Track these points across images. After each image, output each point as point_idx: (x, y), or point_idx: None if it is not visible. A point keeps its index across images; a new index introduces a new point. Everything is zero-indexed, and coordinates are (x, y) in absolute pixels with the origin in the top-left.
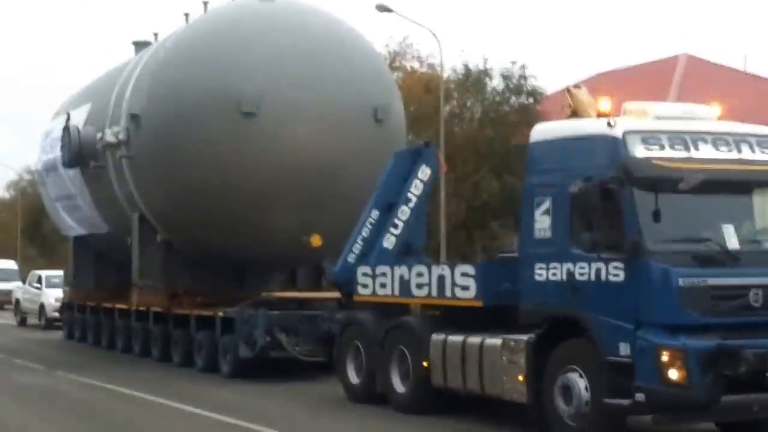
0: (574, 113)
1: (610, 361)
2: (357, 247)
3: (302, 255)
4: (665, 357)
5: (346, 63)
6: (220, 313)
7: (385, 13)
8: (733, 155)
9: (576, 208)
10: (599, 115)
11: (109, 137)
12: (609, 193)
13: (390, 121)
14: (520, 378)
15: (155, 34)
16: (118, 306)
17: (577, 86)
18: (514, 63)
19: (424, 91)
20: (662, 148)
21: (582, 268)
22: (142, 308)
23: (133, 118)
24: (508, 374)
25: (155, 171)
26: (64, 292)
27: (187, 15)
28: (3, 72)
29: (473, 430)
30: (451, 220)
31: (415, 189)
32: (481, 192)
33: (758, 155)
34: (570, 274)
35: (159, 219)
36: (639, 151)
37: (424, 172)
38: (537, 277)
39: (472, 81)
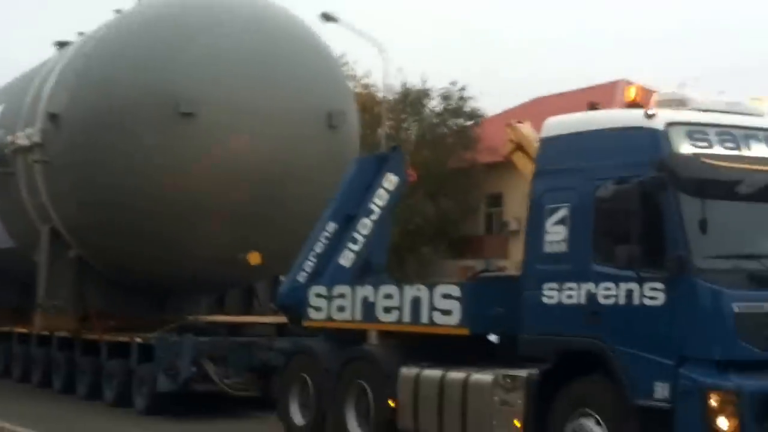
0: (519, 148)
1: (640, 406)
2: (308, 265)
3: (237, 275)
4: (715, 402)
5: (299, 63)
6: (138, 339)
7: (329, 25)
8: None
9: (602, 216)
10: (629, 104)
11: (21, 140)
12: (648, 197)
13: (344, 129)
14: (517, 423)
15: (80, 34)
16: (18, 330)
17: (519, 122)
18: (453, 84)
19: (360, 111)
20: (710, 144)
21: (607, 289)
22: (45, 332)
23: (52, 118)
24: (500, 419)
25: (73, 177)
26: None
27: (118, 11)
28: None
29: None
30: None
31: (379, 199)
32: (415, 215)
33: None
34: (591, 296)
35: (73, 232)
36: (685, 147)
37: (390, 180)
38: (546, 300)
39: (411, 101)
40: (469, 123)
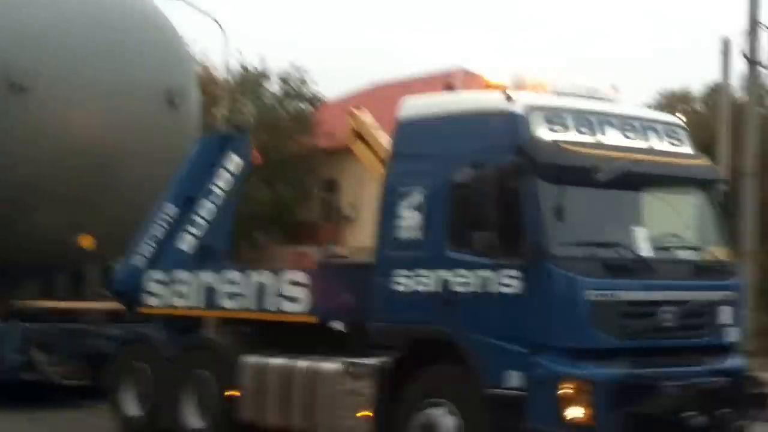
0: (359, 136)
1: (493, 395)
2: (146, 249)
3: (67, 259)
4: (567, 390)
5: (139, 37)
6: None
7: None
8: (643, 144)
9: (458, 201)
10: (490, 86)
11: None
12: (505, 182)
13: (185, 108)
14: (365, 413)
15: None
16: None
17: (358, 108)
18: (293, 66)
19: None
20: (567, 129)
21: (462, 276)
22: None
23: None
24: (347, 408)
25: None
26: None
27: None
28: None
29: None
30: None
31: (222, 182)
32: (250, 200)
33: (667, 145)
34: (445, 283)
35: None
36: (543, 132)
37: (234, 162)
38: (398, 287)
39: (249, 84)
40: (307, 107)
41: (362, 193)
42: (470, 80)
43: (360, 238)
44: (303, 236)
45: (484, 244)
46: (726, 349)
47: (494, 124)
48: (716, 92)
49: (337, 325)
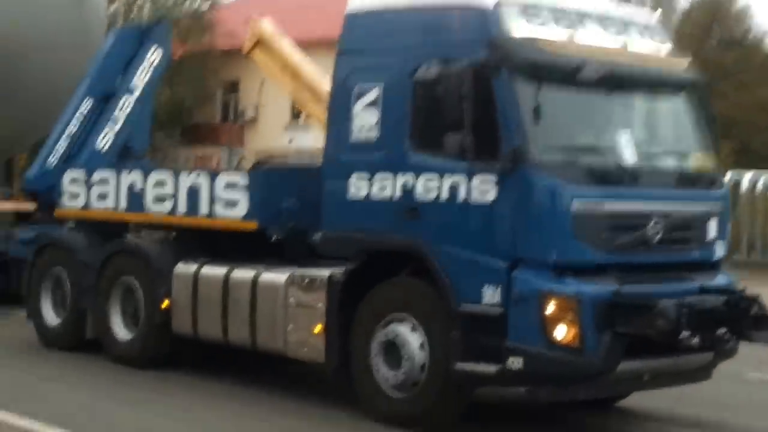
0: (259, 44)
1: (465, 312)
2: (60, 147)
3: None
4: (553, 308)
5: None
6: None
7: None
8: (623, 43)
9: (423, 100)
10: None
11: None
12: (479, 80)
13: (90, 1)
14: (317, 329)
15: None
16: None
17: (260, 17)
18: None
19: None
20: (543, 25)
21: (428, 181)
22: None
23: None
24: (297, 323)
25: None
26: None
27: None
28: None
29: (231, 392)
30: None
31: (142, 75)
32: None
33: (649, 45)
34: (407, 190)
35: None
36: (518, 27)
37: (155, 54)
38: (351, 194)
39: None
40: (205, 7)
41: (264, 94)
42: None
43: (261, 140)
44: (203, 138)
45: (454, 146)
46: (714, 266)
47: (464, 17)
48: None
49: (276, 233)
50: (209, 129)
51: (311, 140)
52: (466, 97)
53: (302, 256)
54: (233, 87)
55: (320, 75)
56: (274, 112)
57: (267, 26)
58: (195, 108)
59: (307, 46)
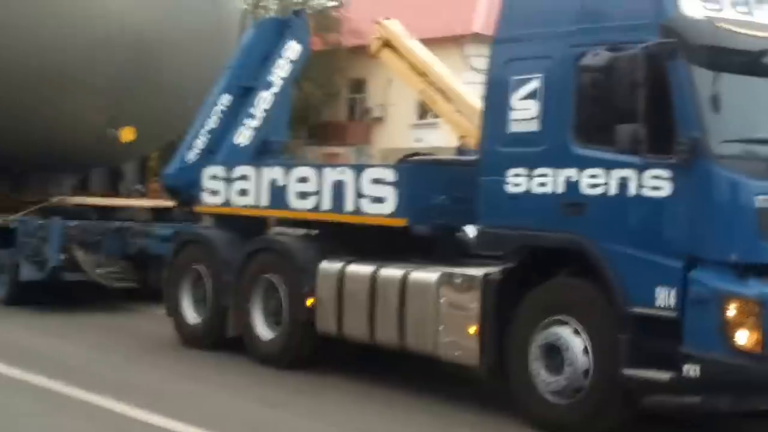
0: (387, 45)
1: (635, 314)
2: (200, 142)
3: (105, 153)
4: (734, 312)
5: None
6: None
7: None
8: None
9: (588, 89)
10: None
11: None
12: (653, 67)
13: None
14: (471, 331)
15: None
16: None
17: (386, 18)
18: None
19: None
20: (720, 7)
21: (593, 176)
22: None
23: None
24: (449, 324)
25: None
26: None
27: None
28: None
29: (376, 393)
30: None
31: (280, 70)
32: None
33: None
34: (571, 184)
35: None
36: (694, 8)
37: (293, 48)
38: (510, 189)
39: None
40: (332, 4)
41: (390, 93)
42: None
43: (388, 139)
44: (330, 137)
45: (624, 139)
46: None
47: (634, 0)
48: None
49: (425, 230)
50: (336, 128)
51: (438, 139)
52: (638, 86)
53: (450, 253)
54: (359, 85)
55: (449, 73)
56: (401, 111)
57: (394, 27)
58: (322, 106)
59: (431, 42)
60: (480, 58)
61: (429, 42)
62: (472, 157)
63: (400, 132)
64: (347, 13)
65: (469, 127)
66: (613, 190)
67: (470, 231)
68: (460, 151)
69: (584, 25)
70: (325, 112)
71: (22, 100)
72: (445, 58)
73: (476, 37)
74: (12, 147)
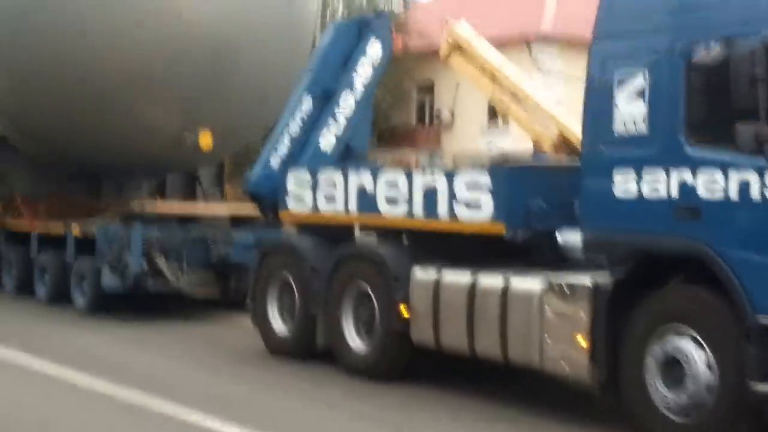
0: (456, 48)
1: (764, 325)
2: (282, 147)
3: (182, 158)
4: None
5: None
6: (75, 229)
7: None
8: None
9: (702, 85)
10: None
11: None
12: None
13: None
14: (581, 343)
15: None
16: None
17: (454, 20)
18: None
19: None
20: None
21: (711, 177)
22: None
23: None
24: (555, 335)
25: None
26: None
27: None
28: None
29: (474, 408)
30: None
31: (362, 73)
32: None
33: None
34: (686, 187)
35: None
36: None
37: (375, 50)
38: (617, 192)
39: None
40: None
41: (459, 96)
42: None
43: (458, 142)
44: (399, 141)
45: (744, 138)
46: None
47: None
48: None
49: (523, 235)
50: (405, 131)
51: (510, 143)
52: (759, 81)
53: (545, 258)
54: (428, 88)
55: (520, 75)
56: (471, 115)
57: (463, 30)
58: (390, 110)
59: (498, 43)
60: (548, 59)
61: (495, 43)
62: (570, 161)
63: (471, 136)
64: (414, 15)
65: (543, 131)
66: (733, 193)
67: (564, 235)
68: (535, 155)
69: (693, 16)
70: (393, 116)
71: (99, 105)
72: (512, 59)
73: (544, 38)
74: (89, 152)
